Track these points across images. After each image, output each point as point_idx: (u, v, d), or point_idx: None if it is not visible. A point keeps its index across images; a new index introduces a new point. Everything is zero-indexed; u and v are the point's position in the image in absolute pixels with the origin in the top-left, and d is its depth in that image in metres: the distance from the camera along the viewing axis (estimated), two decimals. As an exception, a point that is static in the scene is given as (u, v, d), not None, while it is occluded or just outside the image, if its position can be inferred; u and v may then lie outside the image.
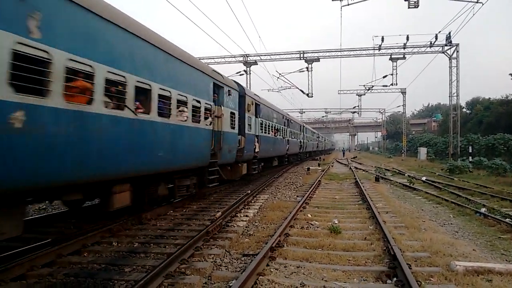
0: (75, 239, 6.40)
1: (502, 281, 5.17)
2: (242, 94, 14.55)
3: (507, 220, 9.38)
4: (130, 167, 6.89)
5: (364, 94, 51.31)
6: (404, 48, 32.79)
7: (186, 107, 9.00)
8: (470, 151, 33.87)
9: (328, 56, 35.07)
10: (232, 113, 12.81)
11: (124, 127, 6.56)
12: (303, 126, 36.60)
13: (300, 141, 32.94)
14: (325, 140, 74.54)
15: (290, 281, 5.04)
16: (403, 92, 52.79)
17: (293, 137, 28.35)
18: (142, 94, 7.19)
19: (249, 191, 13.21)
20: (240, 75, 34.76)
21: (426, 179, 20.32)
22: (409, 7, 24.01)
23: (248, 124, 15.07)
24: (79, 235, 6.70)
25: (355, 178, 19.17)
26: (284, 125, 24.31)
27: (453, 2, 24.99)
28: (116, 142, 6.39)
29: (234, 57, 35.49)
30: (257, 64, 36.22)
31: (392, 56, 34.31)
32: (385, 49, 33.17)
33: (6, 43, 4.20)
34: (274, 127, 20.96)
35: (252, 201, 11.84)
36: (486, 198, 13.82)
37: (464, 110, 61.81)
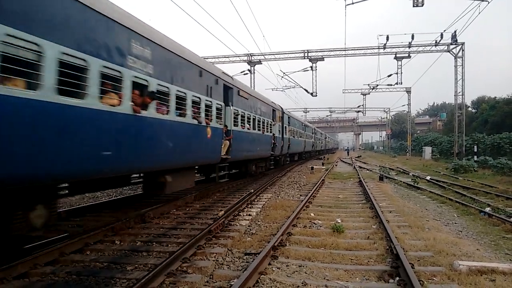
0: (78, 238, 6.43)
1: (506, 280, 5.13)
2: None
3: (512, 219, 9.31)
4: None
5: (369, 93, 51.15)
6: (409, 47, 32.64)
7: None
8: (475, 150, 33.66)
9: (333, 55, 35.01)
10: None
11: None
12: (282, 112, 22.76)
13: (274, 136, 19.90)
14: (325, 138, 61.65)
15: (292, 280, 5.03)
16: (408, 91, 52.57)
17: (249, 126, 15.14)
18: None
19: (252, 190, 13.21)
20: (244, 74, 34.82)
21: (430, 179, 20.20)
22: (414, 6, 23.89)
23: None
24: (82, 233, 6.73)
25: (359, 177, 19.09)
26: (207, 95, 10.51)
27: (458, 0, 24.80)
28: None
29: (238, 56, 35.49)
30: (261, 63, 36.21)
31: (397, 55, 34.13)
32: (390, 48, 33.04)
33: None
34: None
35: (255, 200, 11.84)
36: (491, 197, 13.73)
37: (469, 109, 61.48)
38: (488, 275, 5.28)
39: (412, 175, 22.48)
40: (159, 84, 7.69)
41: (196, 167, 11.79)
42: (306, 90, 36.33)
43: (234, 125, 13.03)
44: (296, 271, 5.47)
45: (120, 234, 7.33)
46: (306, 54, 34.74)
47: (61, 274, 5.15)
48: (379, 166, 32.05)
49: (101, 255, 6.07)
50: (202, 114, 10.03)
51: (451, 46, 32.04)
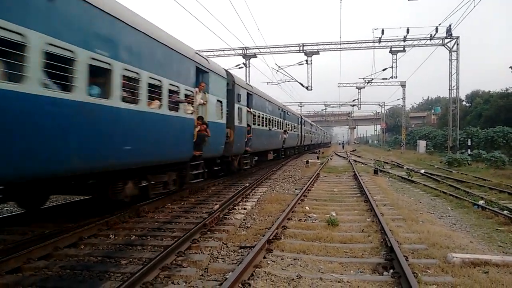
0: (72, 232, 6.38)
1: (499, 272, 5.17)
2: None
3: (505, 212, 9.40)
4: None
5: (364, 87, 51.17)
6: (404, 40, 32.61)
7: None
8: (469, 144, 33.89)
9: (328, 48, 34.91)
10: None
11: None
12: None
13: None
14: (302, 125, 35.95)
15: (287, 273, 5.04)
16: (403, 85, 52.68)
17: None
18: None
19: (247, 184, 13.21)
20: (239, 68, 34.66)
21: (424, 172, 20.32)
22: (409, -1, 23.80)
23: None
24: (76, 227, 6.69)
25: (354, 171, 19.15)
26: None
27: (453, -6, 24.77)
28: None
29: (233, 50, 35.29)
30: (256, 57, 36.05)
31: (392, 49, 34.11)
32: (385, 41, 32.99)
33: None
34: None
35: (251, 194, 11.83)
36: (484, 190, 13.84)
37: (463, 103, 61.91)
38: (482, 267, 5.32)
39: (407, 168, 22.60)
40: None
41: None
42: (301, 84, 36.27)
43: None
44: (291, 264, 5.48)
45: (115, 228, 7.30)
46: (301, 48, 34.63)
47: (54, 268, 5.11)
48: (374, 159, 32.17)
49: (95, 249, 6.04)
50: None
51: (446, 40, 32.08)
